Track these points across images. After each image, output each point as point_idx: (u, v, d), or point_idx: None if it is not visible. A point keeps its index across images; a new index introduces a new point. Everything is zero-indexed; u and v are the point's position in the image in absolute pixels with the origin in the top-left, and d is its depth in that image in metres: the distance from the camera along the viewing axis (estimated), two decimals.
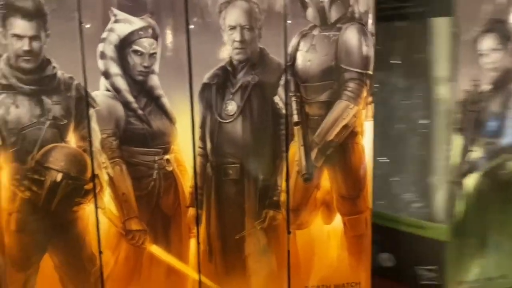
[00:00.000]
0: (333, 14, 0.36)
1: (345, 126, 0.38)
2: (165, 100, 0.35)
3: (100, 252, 0.36)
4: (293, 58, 0.36)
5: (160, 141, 0.36)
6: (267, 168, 0.38)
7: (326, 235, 0.39)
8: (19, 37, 0.32)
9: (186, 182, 0.37)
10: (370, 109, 0.38)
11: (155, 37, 0.34)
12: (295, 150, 0.38)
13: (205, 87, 0.36)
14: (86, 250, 0.36)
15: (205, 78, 0.35)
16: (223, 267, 0.38)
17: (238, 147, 0.37)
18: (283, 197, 0.38)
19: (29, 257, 0.35)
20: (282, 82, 0.37)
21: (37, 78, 0.33)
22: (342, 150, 0.38)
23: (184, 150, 0.36)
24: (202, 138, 0.36)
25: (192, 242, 0.38)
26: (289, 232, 0.39)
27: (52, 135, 0.34)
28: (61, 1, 0.33)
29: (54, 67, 0.33)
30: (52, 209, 0.35)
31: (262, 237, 0.38)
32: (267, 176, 0.38)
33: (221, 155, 0.37)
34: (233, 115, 0.36)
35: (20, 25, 0.32)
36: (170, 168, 0.36)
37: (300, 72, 0.37)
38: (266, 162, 0.37)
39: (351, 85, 0.37)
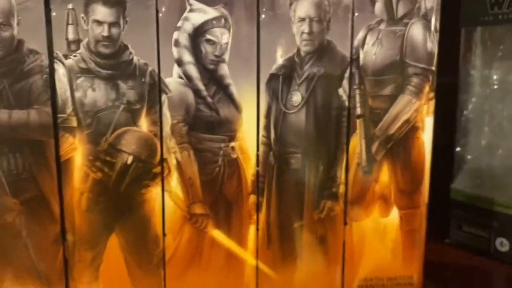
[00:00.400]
0: (400, 10, 0.37)
1: (407, 121, 0.38)
2: (233, 89, 0.36)
3: (164, 234, 0.37)
4: (359, 52, 0.37)
5: (226, 129, 0.37)
6: (327, 159, 0.38)
7: (382, 228, 0.40)
8: (99, 23, 0.34)
9: (249, 169, 0.37)
10: (432, 104, 0.39)
11: (227, 27, 0.35)
12: (356, 142, 0.38)
13: (272, 77, 0.36)
14: (151, 232, 0.37)
15: (273, 68, 0.36)
16: (280, 255, 0.39)
17: (300, 137, 0.37)
18: (341, 188, 0.39)
19: (97, 236, 0.36)
20: (346, 74, 0.37)
21: (114, 63, 0.35)
22: (403, 144, 0.39)
23: (248, 138, 0.37)
24: (267, 128, 0.37)
25: (252, 229, 0.38)
26: (345, 224, 0.39)
27: (125, 118, 0.35)
28: None
29: (130, 53, 0.35)
30: (121, 190, 0.36)
31: (319, 227, 0.39)
32: (327, 167, 0.38)
33: (284, 145, 0.37)
34: (297, 105, 0.37)
35: (101, 12, 0.34)
36: (234, 156, 0.37)
37: (365, 66, 0.37)
38: (327, 153, 0.38)
39: (415, 80, 0.38)
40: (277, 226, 0.39)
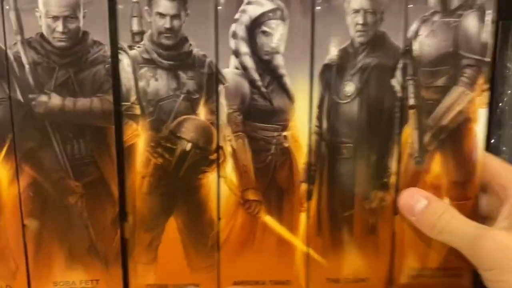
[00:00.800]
0: (455, 1, 0.37)
1: (460, 112, 0.38)
2: (287, 79, 0.37)
3: (219, 218, 0.39)
4: (412, 43, 0.37)
5: (279, 118, 0.38)
6: (379, 149, 0.39)
7: None
8: (162, 15, 0.36)
9: (300, 158, 0.39)
10: (485, 96, 0.39)
11: (282, 18, 0.36)
12: (408, 133, 0.39)
13: (326, 67, 0.37)
14: (206, 215, 0.39)
15: (327, 59, 0.37)
16: (330, 243, 0.40)
17: (353, 128, 0.38)
18: (392, 179, 0.39)
19: (156, 218, 0.39)
20: (400, 65, 0.38)
21: (175, 54, 0.36)
22: (455, 135, 0.39)
23: (300, 128, 0.38)
24: (319, 118, 0.38)
25: (303, 216, 0.40)
26: (395, 213, 0.40)
27: (185, 107, 0.37)
28: None
29: (190, 45, 0.36)
30: (180, 175, 0.38)
31: (370, 217, 0.40)
32: (379, 158, 0.39)
33: (336, 135, 0.38)
34: (350, 96, 0.38)
35: (163, 4, 0.36)
36: (286, 144, 0.38)
37: (418, 57, 0.38)
38: (379, 144, 0.39)
39: (468, 71, 0.38)
40: (328, 214, 0.40)
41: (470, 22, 0.37)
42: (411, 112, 0.38)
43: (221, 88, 0.37)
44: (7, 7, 0.34)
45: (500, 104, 0.45)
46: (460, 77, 0.38)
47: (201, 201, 0.39)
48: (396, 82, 0.38)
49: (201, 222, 0.39)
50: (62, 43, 0.35)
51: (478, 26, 0.37)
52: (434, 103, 0.38)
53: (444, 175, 0.39)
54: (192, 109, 0.37)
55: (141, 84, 0.37)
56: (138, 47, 0.36)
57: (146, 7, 0.36)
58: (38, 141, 0.36)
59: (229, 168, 0.38)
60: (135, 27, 0.36)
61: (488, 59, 0.38)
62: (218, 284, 0.40)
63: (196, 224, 0.39)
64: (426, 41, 0.37)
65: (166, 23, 0.36)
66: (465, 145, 0.39)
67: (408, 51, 0.37)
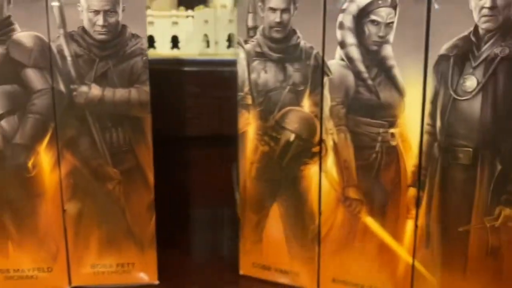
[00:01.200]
0: None
1: None
2: (397, 71, 0.34)
3: (320, 213, 0.39)
4: None
5: (386, 114, 0.35)
6: (508, 158, 0.32)
7: None
8: (273, 10, 0.37)
9: (409, 159, 0.35)
10: None
11: (393, 5, 0.34)
12: None
13: (442, 59, 0.33)
14: (307, 207, 0.39)
15: (443, 49, 0.33)
16: (440, 258, 0.35)
17: (473, 129, 0.33)
18: None
19: (262, 202, 0.41)
20: None
21: (283, 47, 0.38)
22: None
23: (410, 125, 0.35)
24: (432, 115, 0.34)
25: (409, 224, 0.36)
26: None
27: (290, 99, 0.38)
28: None
29: (298, 37, 0.37)
30: (283, 164, 0.39)
31: (492, 237, 0.33)
32: (507, 168, 0.32)
33: (451, 136, 0.33)
34: (471, 91, 0.32)
35: (275, 0, 0.37)
36: (394, 143, 0.35)
37: None
38: (508, 151, 0.32)
39: None
40: (439, 226, 0.35)
41: None
42: None
43: (325, 80, 0.37)
44: (51, 1, 0.35)
45: None
46: None
47: (302, 192, 0.39)
48: None
49: (302, 213, 0.39)
50: (103, 36, 0.36)
51: None
52: None
53: None
54: (297, 100, 0.38)
55: (253, 76, 0.39)
56: (252, 41, 0.39)
57: (259, 3, 0.38)
58: (78, 129, 0.37)
59: (330, 162, 0.37)
60: (250, 23, 0.38)
61: None
62: (318, 278, 0.40)
63: (297, 213, 0.40)
64: None
65: (276, 17, 0.37)
66: None
67: None
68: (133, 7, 0.36)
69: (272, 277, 0.41)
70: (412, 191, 0.35)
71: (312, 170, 0.38)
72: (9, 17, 0.35)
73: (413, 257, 0.36)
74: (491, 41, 0.31)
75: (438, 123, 0.34)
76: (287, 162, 0.39)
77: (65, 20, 0.36)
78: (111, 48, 0.36)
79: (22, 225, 0.38)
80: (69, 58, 0.36)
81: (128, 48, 0.36)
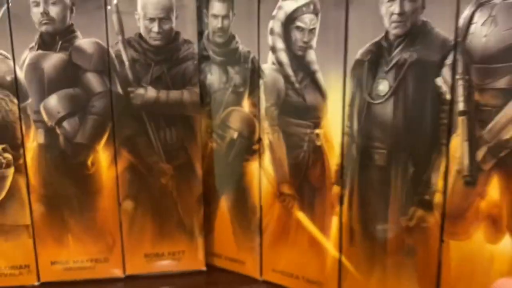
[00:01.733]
0: None
1: None
2: (320, 75, 0.36)
3: (261, 207, 0.41)
4: (465, 33, 0.30)
5: (312, 115, 0.37)
6: (419, 160, 0.33)
7: (488, 256, 0.32)
8: (215, 16, 0.40)
9: (332, 159, 0.37)
10: None
11: (315, 12, 0.35)
12: (457, 145, 0.31)
13: (358, 63, 0.34)
14: (250, 201, 0.42)
15: (358, 54, 0.34)
16: (363, 254, 0.37)
17: (387, 131, 0.34)
18: (437, 197, 0.33)
19: (212, 195, 0.44)
20: (448, 61, 0.31)
21: (225, 51, 0.40)
22: None
23: (333, 127, 0.36)
24: (350, 118, 0.35)
25: (335, 220, 0.38)
26: (442, 241, 0.33)
27: (232, 99, 0.41)
28: None
29: (237, 42, 0.39)
30: (229, 160, 0.42)
31: (407, 237, 0.34)
32: (419, 170, 0.33)
33: (367, 138, 0.35)
34: (384, 95, 0.33)
35: (217, 6, 0.40)
36: (319, 143, 0.37)
37: (472, 50, 0.30)
38: (420, 154, 0.33)
39: None
40: (360, 224, 0.36)
41: None
42: (461, 119, 0.31)
43: (261, 82, 0.39)
44: (110, 10, 0.38)
45: None
46: None
47: (245, 187, 0.42)
48: (442, 82, 0.31)
49: (245, 206, 0.42)
50: (158, 42, 0.39)
51: None
52: (492, 110, 0.30)
53: (505, 205, 0.30)
54: (238, 101, 0.41)
55: (201, 77, 0.42)
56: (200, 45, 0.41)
57: (204, 10, 0.41)
58: (135, 129, 0.40)
59: (267, 159, 0.40)
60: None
61: None
62: (260, 267, 0.43)
63: (241, 207, 0.42)
64: (483, 31, 0.29)
65: (218, 23, 0.40)
66: None
67: (459, 43, 0.30)
68: (185, 15, 0.39)
69: (222, 264, 0.45)
70: (336, 189, 0.37)
71: (253, 166, 0.41)
72: (71, 25, 0.38)
73: (340, 252, 0.38)
74: (401, 46, 0.32)
75: (356, 126, 0.35)
76: (232, 158, 0.42)
77: (123, 27, 0.38)
78: (165, 53, 0.39)
79: (81, 219, 0.41)
80: (126, 63, 0.39)
81: (181, 53, 0.39)
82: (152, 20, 0.38)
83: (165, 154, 0.41)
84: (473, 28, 0.29)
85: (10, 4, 0.36)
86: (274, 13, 0.37)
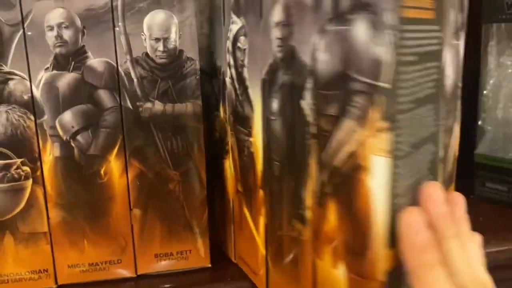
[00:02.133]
0: (344, 1, 0.28)
1: (352, 154, 0.29)
2: (250, 91, 0.40)
3: (232, 200, 0.47)
4: (315, 59, 0.31)
5: (247, 125, 0.41)
6: (295, 177, 0.35)
7: (330, 281, 0.32)
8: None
9: (258, 165, 0.40)
10: (384, 139, 0.27)
11: (245, 35, 0.40)
12: (312, 166, 0.33)
13: (263, 82, 0.37)
14: (226, 193, 0.48)
15: (263, 73, 0.37)
16: (274, 255, 0.40)
17: (278, 146, 0.36)
18: (309, 214, 0.34)
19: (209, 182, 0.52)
20: (308, 85, 0.33)
21: (210, 65, 0.48)
22: (347, 183, 0.29)
23: (259, 136, 0.40)
24: (262, 130, 0.39)
25: (261, 220, 0.41)
26: (318, 257, 0.35)
27: (216, 105, 0.48)
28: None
29: (215, 58, 0.46)
30: (211, 156, 0.49)
31: (293, 245, 0.37)
32: (296, 185, 0.35)
33: (270, 150, 0.38)
34: (275, 113, 0.36)
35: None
36: (252, 150, 0.41)
37: (317, 76, 0.31)
38: (295, 171, 0.35)
39: (357, 100, 0.28)
40: (270, 227, 0.40)
41: (360, 30, 0.27)
42: (312, 143, 0.33)
43: (226, 93, 0.45)
44: (119, 31, 0.40)
45: (485, 92, 0.55)
46: (349, 106, 0.29)
47: (225, 181, 0.49)
48: (306, 104, 0.33)
49: (224, 198, 0.49)
50: (163, 60, 0.42)
51: (369, 36, 0.27)
52: (327, 135, 0.31)
53: (338, 232, 0.31)
54: (218, 108, 0.48)
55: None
56: None
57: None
58: (144, 139, 0.42)
59: (230, 160, 0.46)
60: None
61: (383, 84, 0.26)
62: (234, 253, 0.49)
63: (221, 198, 0.50)
64: (323, 57, 0.31)
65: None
66: (355, 201, 0.29)
67: (312, 69, 0.32)
68: (187, 34, 0.42)
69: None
70: (261, 193, 0.41)
71: (227, 164, 0.47)
72: (83, 46, 0.41)
73: (266, 250, 0.42)
74: (283, 69, 0.35)
75: (265, 138, 0.39)
76: (212, 156, 0.49)
77: (131, 47, 0.41)
78: (170, 70, 0.42)
79: (95, 224, 0.43)
80: (135, 80, 0.41)
81: (184, 70, 0.42)
82: (157, 40, 0.42)
83: (172, 162, 0.44)
84: (317, 54, 0.30)
85: (26, 29, 0.39)
86: (228, 34, 0.43)
